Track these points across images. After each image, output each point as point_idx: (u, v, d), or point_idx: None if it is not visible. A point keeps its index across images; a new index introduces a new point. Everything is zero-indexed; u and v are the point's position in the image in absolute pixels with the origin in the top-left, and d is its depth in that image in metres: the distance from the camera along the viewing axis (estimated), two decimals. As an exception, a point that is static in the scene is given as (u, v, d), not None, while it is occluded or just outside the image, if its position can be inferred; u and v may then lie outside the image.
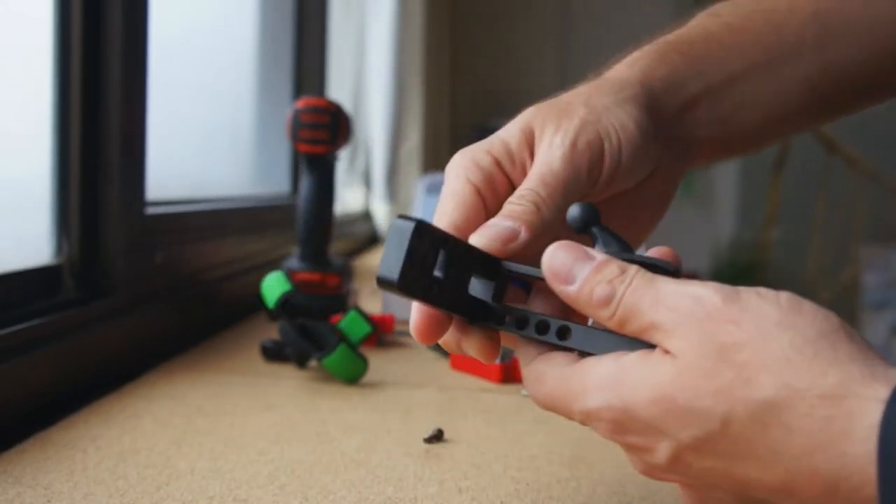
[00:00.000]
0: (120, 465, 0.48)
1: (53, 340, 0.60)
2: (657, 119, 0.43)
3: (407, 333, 0.88)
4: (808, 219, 3.29)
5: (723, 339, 0.29)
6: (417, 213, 1.41)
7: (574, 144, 0.39)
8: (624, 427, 0.32)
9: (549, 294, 0.36)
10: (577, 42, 3.05)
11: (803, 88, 0.49)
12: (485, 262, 0.37)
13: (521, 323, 0.36)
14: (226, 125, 1.24)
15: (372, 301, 1.07)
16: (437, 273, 0.35)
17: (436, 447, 0.53)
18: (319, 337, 0.70)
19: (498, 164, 0.40)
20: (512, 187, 0.40)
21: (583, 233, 0.36)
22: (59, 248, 0.68)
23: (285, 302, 0.70)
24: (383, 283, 0.34)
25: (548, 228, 0.38)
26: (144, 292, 0.75)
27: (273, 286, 0.71)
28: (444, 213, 0.39)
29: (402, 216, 0.34)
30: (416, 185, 1.60)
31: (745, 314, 0.30)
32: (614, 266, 0.33)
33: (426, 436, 0.54)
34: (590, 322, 0.36)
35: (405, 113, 2.13)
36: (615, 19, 3.05)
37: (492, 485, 0.47)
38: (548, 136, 0.40)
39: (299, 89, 1.52)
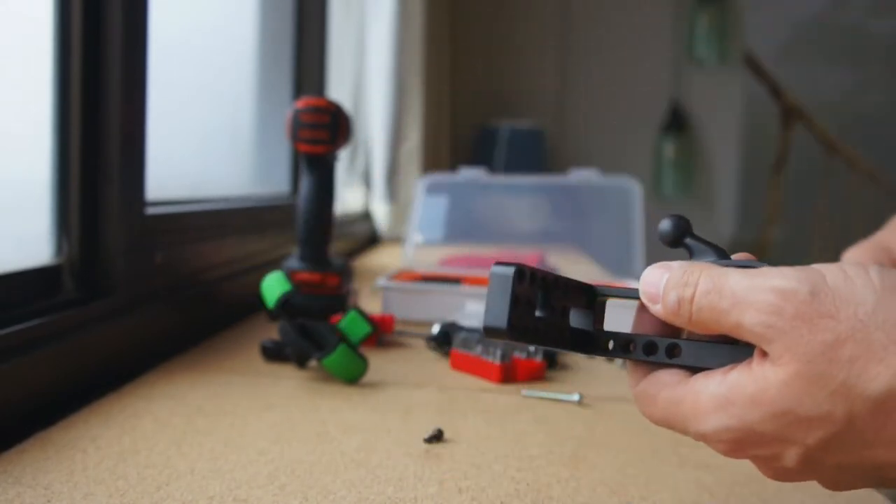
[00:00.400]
0: (120, 465, 0.48)
1: (53, 340, 0.60)
2: None
3: (407, 333, 0.89)
4: (808, 219, 3.29)
5: (823, 337, 0.29)
6: (417, 212, 1.41)
7: None
8: (745, 444, 0.32)
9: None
10: (577, 42, 3.05)
11: None
12: (580, 292, 0.38)
13: (625, 346, 0.37)
14: (226, 125, 1.24)
15: (372, 301, 1.07)
16: (538, 313, 0.36)
17: (436, 447, 0.53)
18: (319, 337, 0.70)
19: None
20: None
21: (676, 247, 0.36)
22: (59, 248, 0.68)
23: (285, 302, 0.70)
24: (492, 332, 0.34)
25: None
26: (144, 292, 0.75)
27: (273, 286, 0.71)
28: None
29: (499, 263, 0.34)
30: (416, 185, 1.60)
31: (840, 305, 0.29)
32: (680, 271, 0.33)
33: (426, 436, 0.54)
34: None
35: (405, 113, 2.13)
36: (615, 19, 3.05)
37: (492, 485, 0.47)
38: None
39: (299, 89, 1.52)
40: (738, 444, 0.32)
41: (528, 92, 3.05)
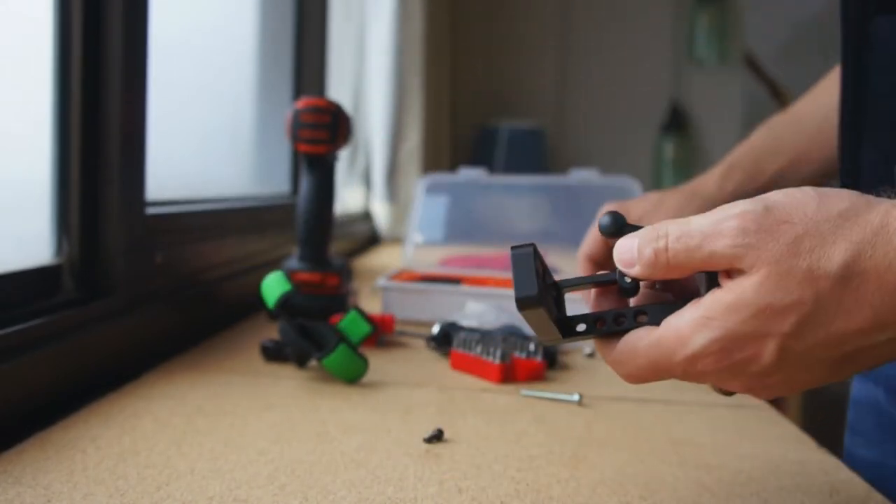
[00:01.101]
0: (120, 465, 0.48)
1: (53, 340, 0.60)
2: None
3: (407, 333, 0.89)
4: (808, 219, 3.28)
5: (785, 239, 0.34)
6: (417, 212, 1.41)
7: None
8: (730, 351, 0.36)
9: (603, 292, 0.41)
10: (577, 42, 3.05)
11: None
12: (550, 286, 0.41)
13: (594, 323, 0.40)
14: (226, 125, 1.24)
15: (372, 301, 1.07)
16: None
17: (436, 447, 0.53)
18: (319, 337, 0.70)
19: None
20: None
21: (615, 238, 0.40)
22: (59, 248, 0.68)
23: (285, 302, 0.70)
24: (524, 302, 0.37)
25: None
26: (144, 292, 0.75)
27: (273, 286, 0.71)
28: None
29: (515, 247, 0.38)
30: (416, 185, 1.60)
31: (791, 211, 0.35)
32: (649, 230, 0.38)
33: (426, 436, 0.54)
34: None
35: (405, 113, 2.13)
36: (615, 19, 3.05)
37: (492, 485, 0.47)
38: None
39: (299, 89, 1.52)
40: (724, 353, 0.36)
41: (528, 92, 3.05)
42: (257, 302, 0.82)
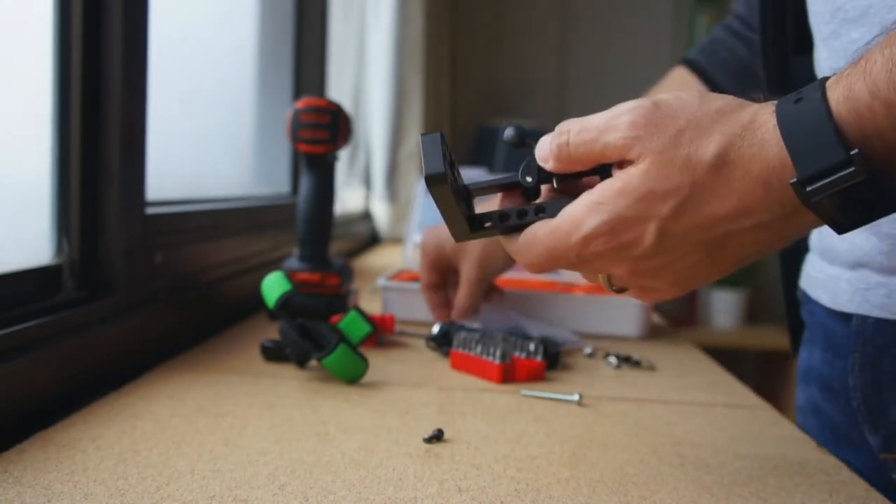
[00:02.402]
0: (120, 465, 0.48)
1: (53, 340, 0.60)
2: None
3: (407, 333, 0.89)
4: (808, 219, 3.29)
5: (669, 131, 0.38)
6: (417, 214, 1.41)
7: (477, 266, 0.89)
8: (617, 232, 0.40)
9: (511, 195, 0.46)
10: (577, 42, 3.05)
11: None
12: (459, 189, 0.44)
13: (501, 219, 0.44)
14: (226, 125, 1.24)
15: (372, 301, 1.07)
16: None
17: (436, 447, 0.53)
18: (319, 337, 0.70)
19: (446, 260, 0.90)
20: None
21: (521, 146, 0.44)
22: (59, 248, 0.68)
23: (285, 302, 0.70)
24: (432, 179, 0.40)
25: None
26: (144, 292, 0.75)
27: (273, 286, 0.71)
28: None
29: (423, 134, 0.42)
30: (416, 186, 1.60)
31: (676, 108, 0.39)
32: (557, 127, 0.42)
33: (426, 436, 0.54)
34: None
35: (405, 113, 2.13)
36: (615, 19, 3.05)
37: (492, 485, 0.47)
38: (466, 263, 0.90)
39: (299, 89, 1.52)
40: (613, 234, 0.40)
41: (528, 92, 3.05)
42: (257, 302, 0.82)
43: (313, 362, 0.72)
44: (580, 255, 0.41)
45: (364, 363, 0.68)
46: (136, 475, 0.46)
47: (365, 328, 0.74)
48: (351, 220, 1.95)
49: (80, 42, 0.67)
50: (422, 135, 0.42)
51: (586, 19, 3.07)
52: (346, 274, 0.89)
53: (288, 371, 0.71)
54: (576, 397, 0.66)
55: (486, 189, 0.45)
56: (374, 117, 2.09)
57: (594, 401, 0.66)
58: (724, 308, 2.82)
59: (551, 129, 0.44)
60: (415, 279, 1.03)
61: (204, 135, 1.12)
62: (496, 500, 0.45)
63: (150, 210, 0.77)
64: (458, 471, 0.49)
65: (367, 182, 2.16)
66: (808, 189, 0.36)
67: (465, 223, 0.44)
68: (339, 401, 0.63)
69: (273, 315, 0.73)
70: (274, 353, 0.74)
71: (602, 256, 0.41)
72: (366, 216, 2.16)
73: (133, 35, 0.72)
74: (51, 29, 0.67)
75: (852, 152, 0.35)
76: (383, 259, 1.77)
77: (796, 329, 0.75)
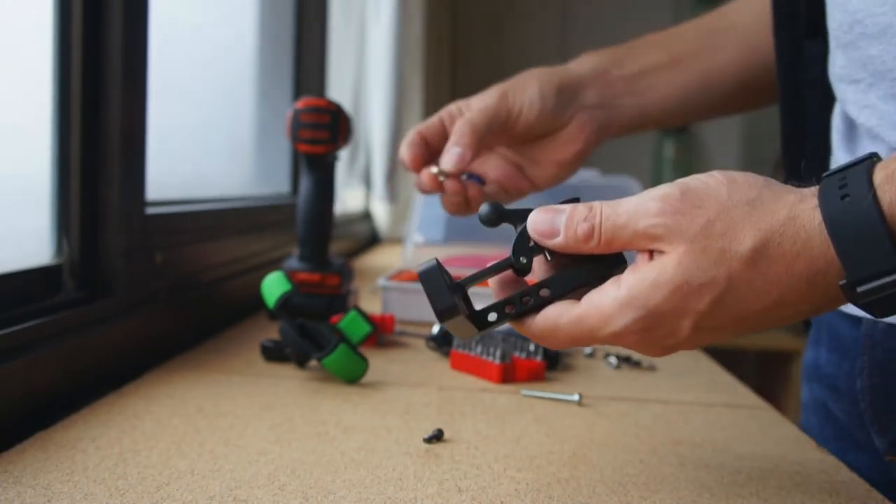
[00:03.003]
0: (120, 465, 0.48)
1: (54, 340, 0.60)
2: (572, 94, 0.68)
3: (407, 333, 0.89)
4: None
5: (698, 222, 0.37)
6: (417, 214, 1.41)
7: (499, 97, 0.66)
8: (652, 328, 0.39)
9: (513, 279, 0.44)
10: (577, 42, 3.05)
11: (687, 89, 0.70)
12: (454, 288, 0.44)
13: (502, 309, 0.43)
14: (226, 125, 1.24)
15: (372, 301, 1.07)
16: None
17: (436, 447, 0.53)
18: (319, 337, 0.70)
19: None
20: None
21: (498, 224, 0.44)
22: (59, 248, 0.68)
23: (285, 302, 0.70)
24: (445, 314, 0.41)
25: (483, 143, 0.65)
26: (144, 292, 0.75)
27: (273, 286, 0.71)
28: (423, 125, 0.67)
29: (421, 266, 0.41)
30: (415, 186, 1.59)
31: (703, 198, 0.38)
32: (582, 207, 0.41)
33: (426, 436, 0.54)
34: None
35: (405, 113, 2.13)
36: (615, 19, 3.05)
37: (492, 485, 0.47)
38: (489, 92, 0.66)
39: (299, 89, 1.52)
40: (647, 331, 0.39)
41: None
42: (257, 302, 0.82)
43: (313, 362, 0.72)
44: (608, 343, 0.41)
45: (364, 363, 0.68)
46: (136, 475, 0.46)
47: (365, 328, 0.74)
48: (351, 220, 1.95)
49: (80, 42, 0.67)
50: (419, 271, 0.41)
51: (586, 20, 3.07)
52: (346, 274, 0.89)
53: (288, 371, 0.71)
54: (576, 397, 0.66)
55: (479, 279, 0.44)
56: (374, 117, 2.09)
57: (594, 401, 0.66)
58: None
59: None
60: (415, 279, 1.03)
61: (204, 135, 1.12)
62: (496, 500, 0.45)
63: (150, 210, 0.77)
64: (458, 471, 0.49)
65: (367, 182, 2.16)
66: (859, 290, 0.35)
67: (473, 326, 0.43)
68: (339, 401, 0.63)
69: (273, 315, 0.73)
70: (274, 353, 0.74)
71: (632, 346, 0.40)
72: (366, 216, 2.16)
73: (133, 35, 0.72)
74: (51, 29, 0.67)
75: None
76: (383, 259, 1.77)
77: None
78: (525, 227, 0.43)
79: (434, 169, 0.65)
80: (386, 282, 0.98)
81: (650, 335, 0.39)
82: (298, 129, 0.84)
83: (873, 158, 0.37)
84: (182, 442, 0.52)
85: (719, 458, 0.54)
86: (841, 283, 0.36)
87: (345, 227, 1.77)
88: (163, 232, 0.80)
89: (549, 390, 0.68)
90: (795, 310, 0.38)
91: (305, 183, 0.87)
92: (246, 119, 1.32)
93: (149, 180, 0.76)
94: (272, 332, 0.84)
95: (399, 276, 1.05)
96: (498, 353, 0.71)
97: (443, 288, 0.41)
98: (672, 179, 0.43)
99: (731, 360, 1.94)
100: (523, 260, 0.43)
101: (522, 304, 0.42)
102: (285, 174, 1.46)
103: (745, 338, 2.74)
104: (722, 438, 0.58)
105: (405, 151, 0.66)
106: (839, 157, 0.60)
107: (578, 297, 0.41)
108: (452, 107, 0.67)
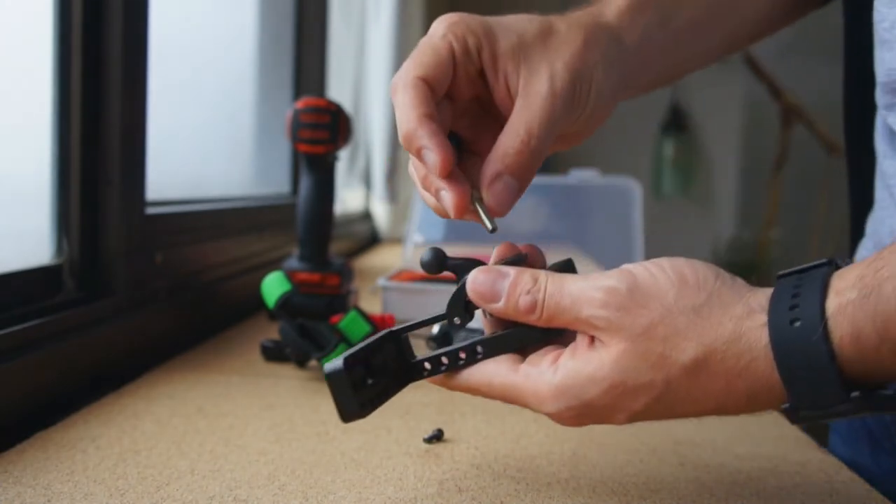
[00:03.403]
0: (120, 465, 0.48)
1: (54, 340, 0.60)
2: (624, 77, 0.50)
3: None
4: (808, 219, 3.29)
5: (641, 322, 0.36)
6: (417, 214, 1.41)
7: (562, 94, 0.43)
8: (585, 416, 0.39)
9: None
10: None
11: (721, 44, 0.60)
12: (389, 342, 0.44)
13: (438, 362, 0.43)
14: (226, 125, 1.24)
15: (372, 301, 1.07)
16: (370, 380, 0.42)
17: (436, 447, 0.53)
18: (319, 337, 0.70)
19: (479, 50, 0.43)
20: (480, 76, 0.44)
21: (441, 272, 0.43)
22: (59, 248, 0.68)
23: (285, 302, 0.70)
24: (349, 417, 0.41)
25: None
26: (144, 292, 0.75)
27: (273, 286, 0.71)
28: (421, 64, 0.42)
29: (328, 366, 0.40)
30: (415, 186, 1.59)
31: (649, 298, 0.37)
32: (527, 277, 0.40)
33: (426, 436, 0.54)
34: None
35: (405, 113, 2.12)
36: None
37: (492, 485, 0.47)
38: (541, 76, 0.43)
39: (299, 89, 1.52)
40: (579, 418, 0.39)
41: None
42: (257, 302, 0.82)
43: (313, 362, 0.72)
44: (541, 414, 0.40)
45: (364, 363, 0.67)
46: (136, 475, 0.46)
47: (365, 328, 0.74)
48: (351, 220, 1.95)
49: (80, 42, 0.67)
50: (326, 374, 0.40)
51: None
52: (346, 274, 0.89)
53: (288, 371, 0.71)
54: (576, 397, 0.65)
55: (415, 328, 0.45)
56: (374, 117, 2.09)
57: (594, 401, 0.66)
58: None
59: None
60: (415, 279, 1.03)
61: (204, 135, 1.13)
62: (496, 500, 0.45)
63: (150, 210, 0.77)
64: (458, 471, 0.49)
65: (367, 182, 2.16)
66: (802, 414, 0.35)
67: (404, 384, 0.44)
68: (339, 401, 0.63)
69: (273, 315, 0.73)
70: (274, 353, 0.74)
71: (566, 424, 0.40)
72: (366, 216, 2.16)
73: (133, 35, 0.72)
74: (51, 29, 0.67)
75: (853, 394, 0.33)
76: (383, 259, 1.77)
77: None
78: (464, 283, 0.42)
79: (471, 192, 0.43)
80: (386, 282, 0.98)
81: (583, 420, 0.39)
82: (298, 129, 0.84)
83: (831, 267, 0.35)
84: (182, 442, 0.52)
85: (719, 458, 0.54)
86: (784, 406, 0.35)
87: (345, 227, 1.77)
88: (163, 232, 0.80)
89: (549, 390, 0.68)
90: (738, 411, 0.37)
91: (305, 183, 0.87)
92: (246, 119, 1.32)
93: (149, 180, 0.76)
94: (272, 332, 0.84)
95: (399, 276, 1.05)
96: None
97: (348, 391, 0.40)
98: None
99: (731, 360, 1.94)
100: (457, 320, 0.43)
101: (454, 362, 0.42)
102: (285, 174, 1.46)
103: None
104: (722, 438, 0.58)
105: (433, 148, 0.41)
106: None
107: (520, 353, 0.41)
108: (473, 24, 0.43)
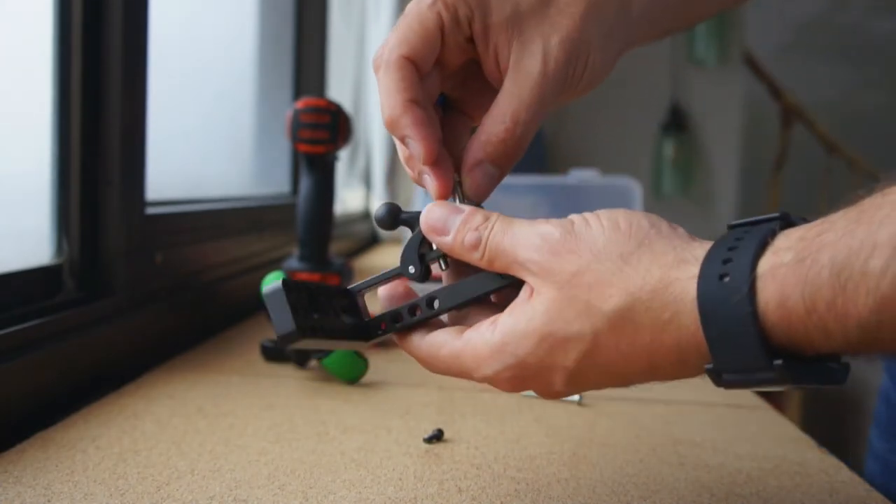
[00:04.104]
0: (120, 465, 0.48)
1: (54, 340, 0.60)
2: (623, 29, 0.46)
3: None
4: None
5: (569, 269, 0.35)
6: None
7: (555, 75, 0.41)
8: (523, 377, 0.37)
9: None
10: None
11: None
12: (343, 296, 0.43)
13: (394, 319, 0.41)
14: (226, 125, 1.24)
15: (372, 301, 1.07)
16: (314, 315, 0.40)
17: (436, 447, 0.53)
18: (319, 337, 0.70)
19: (470, 21, 0.41)
20: (470, 43, 0.42)
21: (395, 227, 0.42)
22: (59, 248, 0.68)
23: (285, 302, 0.70)
24: (286, 338, 0.38)
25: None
26: (144, 292, 0.75)
27: (273, 286, 0.71)
28: (406, 41, 0.40)
29: (267, 286, 0.39)
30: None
31: (580, 242, 0.36)
32: (479, 215, 0.39)
33: (426, 436, 0.54)
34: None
35: (405, 113, 2.12)
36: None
37: (492, 485, 0.47)
38: (533, 54, 0.41)
39: (299, 89, 1.52)
40: (517, 379, 0.37)
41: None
42: (257, 302, 0.82)
43: (313, 362, 0.72)
44: (486, 383, 0.39)
45: (364, 363, 0.68)
46: (136, 475, 0.46)
47: (365, 328, 0.74)
48: (351, 220, 1.95)
49: (80, 42, 0.67)
50: (265, 293, 0.39)
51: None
52: (346, 274, 0.89)
53: (288, 371, 0.71)
54: (576, 397, 0.66)
55: (370, 286, 0.43)
56: (374, 117, 2.09)
57: (594, 401, 0.66)
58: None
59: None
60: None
61: (204, 135, 1.12)
62: (496, 500, 0.45)
63: (150, 210, 0.77)
64: (458, 471, 0.49)
65: (367, 182, 2.16)
66: (725, 378, 0.33)
67: (357, 340, 0.42)
68: (339, 401, 0.63)
69: (273, 315, 0.73)
70: (274, 353, 0.74)
71: (509, 390, 0.39)
72: (366, 216, 2.16)
73: (133, 35, 0.72)
74: (51, 29, 0.67)
75: (775, 362, 0.31)
76: (383, 259, 1.77)
77: None
78: (418, 233, 0.41)
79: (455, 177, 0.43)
80: (386, 282, 0.98)
81: (524, 383, 0.38)
82: (298, 129, 0.84)
83: (781, 223, 0.34)
84: (182, 442, 0.52)
85: (719, 458, 0.54)
86: (707, 366, 0.33)
87: (345, 227, 1.77)
88: (163, 232, 0.80)
89: (549, 390, 0.68)
90: (673, 373, 0.35)
91: (305, 183, 0.87)
92: (246, 119, 1.32)
93: (149, 180, 0.76)
94: (272, 332, 0.84)
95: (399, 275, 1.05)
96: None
97: (286, 310, 0.38)
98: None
99: (731, 360, 1.94)
100: (412, 270, 0.41)
101: (411, 314, 0.41)
102: (285, 174, 1.46)
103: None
104: (722, 438, 0.58)
105: (417, 140, 0.41)
106: None
107: (470, 324, 0.40)
108: (462, 12, 0.41)
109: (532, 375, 0.37)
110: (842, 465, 0.54)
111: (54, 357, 0.59)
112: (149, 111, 0.75)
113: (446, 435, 0.55)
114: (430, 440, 0.54)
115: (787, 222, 0.34)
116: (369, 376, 0.69)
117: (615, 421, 0.61)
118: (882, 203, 0.29)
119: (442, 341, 0.39)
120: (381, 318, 0.42)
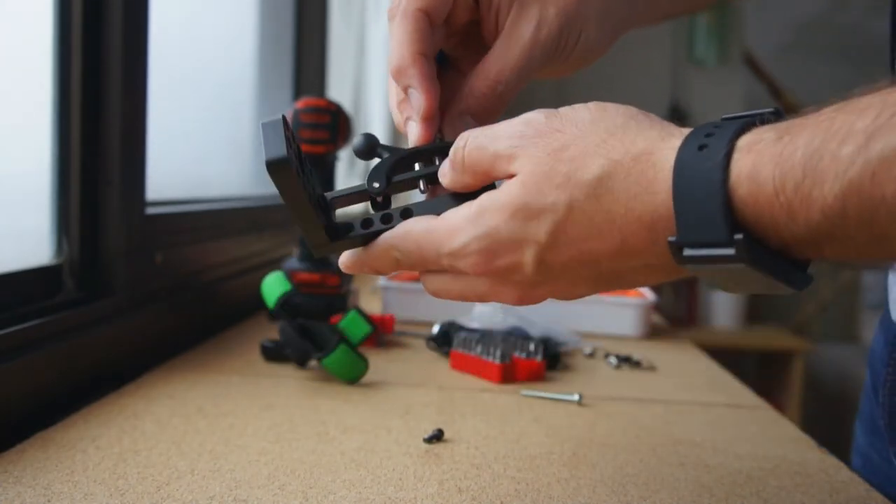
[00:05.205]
0: (120, 465, 0.48)
1: (54, 340, 0.60)
2: (624, 7, 0.48)
3: (407, 333, 0.89)
4: (808, 219, 3.29)
5: (553, 145, 0.35)
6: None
7: (545, 43, 0.43)
8: (491, 252, 0.36)
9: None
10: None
11: None
12: (316, 201, 0.41)
13: (367, 224, 0.40)
14: (226, 125, 1.24)
15: (372, 301, 1.07)
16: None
17: (436, 447, 0.53)
18: (319, 337, 0.70)
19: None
20: (476, 3, 0.44)
21: (372, 157, 0.41)
22: (59, 248, 0.68)
23: (285, 302, 0.70)
24: (275, 165, 0.37)
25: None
26: (144, 292, 0.75)
27: (273, 286, 0.71)
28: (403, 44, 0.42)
29: (264, 122, 0.37)
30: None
31: (565, 121, 0.35)
32: (460, 137, 0.38)
33: (426, 436, 0.54)
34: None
35: (405, 113, 2.12)
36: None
37: (492, 485, 0.47)
38: (528, 20, 0.43)
39: (299, 89, 1.52)
40: (485, 253, 0.36)
41: (528, 92, 3.04)
42: (257, 302, 0.82)
43: (313, 362, 0.72)
44: (454, 268, 0.38)
45: (364, 363, 0.68)
46: (136, 475, 0.46)
47: (365, 328, 0.74)
48: (351, 220, 1.95)
49: (80, 42, 0.67)
50: (262, 123, 0.37)
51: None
52: (345, 274, 0.89)
53: (288, 371, 0.71)
54: (576, 397, 0.66)
55: (347, 198, 0.42)
56: (374, 117, 2.09)
57: (594, 401, 0.66)
58: (724, 308, 2.82)
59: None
60: (415, 279, 1.03)
61: (204, 135, 1.12)
62: (496, 500, 0.45)
63: (150, 210, 0.77)
64: (458, 471, 0.49)
65: (367, 182, 2.16)
66: (685, 253, 0.32)
67: (323, 230, 0.40)
68: (339, 401, 0.63)
69: (273, 315, 0.73)
70: (274, 353, 0.74)
71: (479, 278, 0.38)
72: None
73: (133, 35, 0.72)
74: (51, 29, 0.67)
75: (736, 236, 0.30)
76: (383, 259, 1.77)
77: None
78: (393, 157, 0.41)
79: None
80: (386, 282, 0.98)
81: (492, 262, 0.36)
82: (298, 129, 0.84)
83: (767, 114, 0.33)
84: (182, 442, 0.52)
85: (719, 458, 0.54)
86: (670, 238, 0.32)
87: (345, 227, 1.77)
88: (163, 232, 0.80)
89: (549, 390, 0.68)
90: (644, 261, 0.34)
91: (305, 183, 0.87)
92: (246, 119, 1.32)
93: (149, 180, 0.76)
94: (272, 332, 0.84)
95: (399, 276, 1.05)
96: (498, 353, 0.71)
97: (281, 138, 0.37)
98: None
99: (731, 360, 1.95)
100: (377, 185, 0.41)
101: (382, 222, 0.40)
102: (285, 174, 1.46)
103: (745, 338, 2.75)
104: (722, 438, 0.58)
105: (421, 92, 0.42)
106: None
107: None
108: None
109: (503, 250, 0.36)
110: (842, 465, 0.54)
111: (54, 357, 0.59)
112: (149, 111, 0.75)
113: (446, 435, 0.55)
114: (430, 440, 0.54)
115: (780, 117, 0.33)
116: (369, 376, 0.69)
117: (615, 421, 0.61)
118: (872, 99, 0.29)
119: (413, 224, 0.39)
120: (353, 222, 0.41)
